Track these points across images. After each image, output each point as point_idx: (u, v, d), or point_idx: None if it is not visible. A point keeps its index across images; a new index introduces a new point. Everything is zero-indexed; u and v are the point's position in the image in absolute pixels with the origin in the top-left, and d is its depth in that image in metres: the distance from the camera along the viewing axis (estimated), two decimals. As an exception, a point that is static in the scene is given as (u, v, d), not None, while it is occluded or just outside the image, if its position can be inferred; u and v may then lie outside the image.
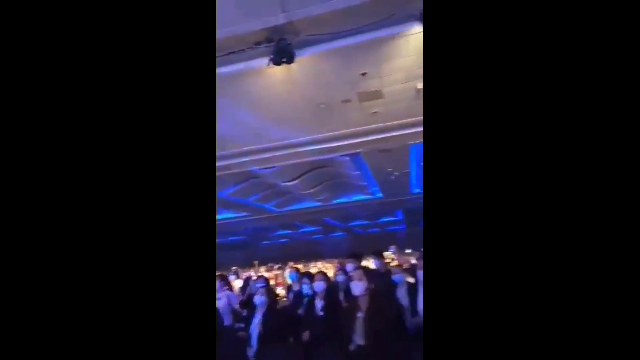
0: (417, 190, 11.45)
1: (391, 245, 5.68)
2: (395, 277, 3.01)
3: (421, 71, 4.67)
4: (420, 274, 2.89)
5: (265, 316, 2.90)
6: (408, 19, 3.57)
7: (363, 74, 4.60)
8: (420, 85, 4.98)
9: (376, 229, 20.56)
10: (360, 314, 2.15)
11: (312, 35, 3.74)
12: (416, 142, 6.81)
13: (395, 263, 6.09)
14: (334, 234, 21.38)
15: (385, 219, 17.81)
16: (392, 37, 3.90)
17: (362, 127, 6.13)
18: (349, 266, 3.29)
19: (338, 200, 12.22)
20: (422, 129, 6.17)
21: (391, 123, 5.96)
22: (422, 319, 2.61)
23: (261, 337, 2.80)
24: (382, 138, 6.40)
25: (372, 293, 2.19)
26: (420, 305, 2.71)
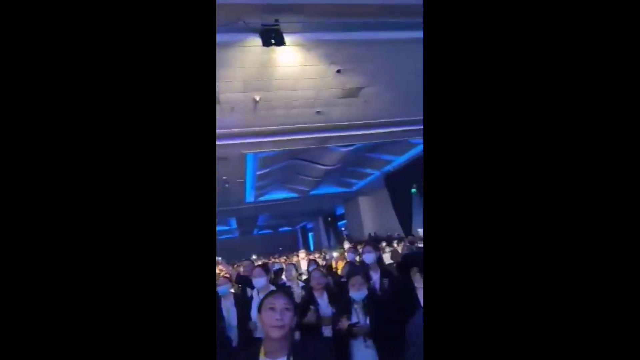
0: (251, 200, 11.60)
1: (219, 255, 5.55)
2: (220, 289, 2.91)
3: (259, 84, 4.77)
4: (258, 280, 2.72)
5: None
6: (248, 30, 3.59)
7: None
8: (258, 97, 5.06)
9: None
10: None
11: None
12: (252, 151, 6.90)
13: (223, 274, 5.95)
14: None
15: (218, 228, 17.41)
16: (231, 45, 3.87)
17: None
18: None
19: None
20: (258, 139, 6.30)
21: (227, 130, 5.88)
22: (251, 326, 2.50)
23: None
24: (217, 145, 6.25)
25: None
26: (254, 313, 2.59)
